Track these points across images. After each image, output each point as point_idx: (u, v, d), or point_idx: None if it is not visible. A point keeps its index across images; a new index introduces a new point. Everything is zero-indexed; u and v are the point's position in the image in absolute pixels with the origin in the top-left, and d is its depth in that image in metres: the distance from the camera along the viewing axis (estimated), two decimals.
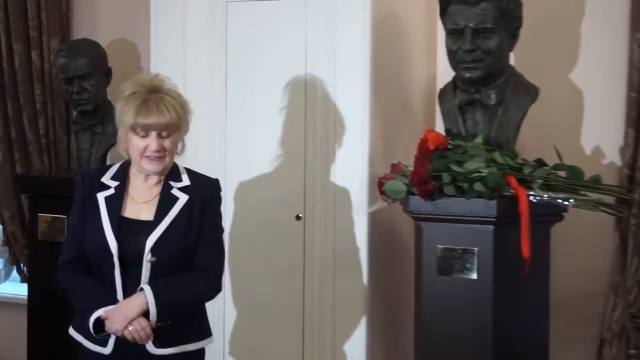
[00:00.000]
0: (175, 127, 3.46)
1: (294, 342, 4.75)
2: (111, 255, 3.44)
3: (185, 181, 3.59)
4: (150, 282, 3.43)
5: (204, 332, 3.65)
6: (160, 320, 3.40)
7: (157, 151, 3.44)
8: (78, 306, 3.56)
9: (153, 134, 3.43)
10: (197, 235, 3.52)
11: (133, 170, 3.60)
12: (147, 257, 3.43)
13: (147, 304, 3.37)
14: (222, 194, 3.69)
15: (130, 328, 3.37)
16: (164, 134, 3.44)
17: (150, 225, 3.48)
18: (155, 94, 3.45)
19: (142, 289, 3.41)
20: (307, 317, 4.71)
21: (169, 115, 3.42)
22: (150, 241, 3.44)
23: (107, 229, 3.47)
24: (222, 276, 3.63)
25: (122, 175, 3.59)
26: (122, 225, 3.49)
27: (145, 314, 3.38)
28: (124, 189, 3.57)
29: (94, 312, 3.40)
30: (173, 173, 3.59)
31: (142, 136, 3.44)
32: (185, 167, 3.66)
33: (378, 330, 4.71)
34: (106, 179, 3.59)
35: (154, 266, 3.44)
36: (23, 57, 5.78)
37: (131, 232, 3.48)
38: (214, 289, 3.59)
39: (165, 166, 3.52)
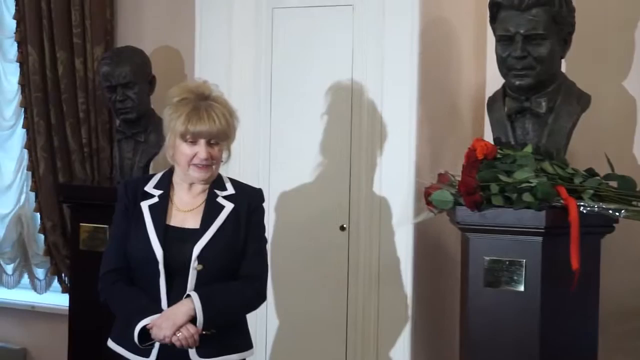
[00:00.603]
0: (224, 136, 3.47)
1: (337, 354, 4.70)
2: (157, 263, 3.43)
3: (230, 190, 3.59)
4: (197, 289, 3.42)
5: (246, 343, 3.64)
6: (206, 328, 3.39)
7: (206, 159, 3.44)
8: (122, 316, 3.55)
9: (202, 141, 3.43)
10: (244, 244, 3.52)
11: (176, 179, 3.59)
12: (194, 264, 3.43)
13: (195, 310, 3.36)
14: (265, 203, 3.70)
15: (178, 335, 3.36)
16: (212, 141, 3.45)
17: (197, 233, 3.48)
18: (204, 101, 3.46)
19: (188, 296, 3.40)
20: (351, 328, 4.68)
21: (220, 123, 3.43)
22: (197, 249, 3.44)
23: (153, 237, 3.46)
24: (266, 285, 3.63)
25: (166, 184, 3.59)
26: (168, 234, 3.48)
27: (192, 320, 3.37)
28: (168, 197, 3.56)
29: (140, 321, 3.38)
30: (217, 182, 3.58)
31: (191, 143, 3.43)
32: (228, 177, 3.65)
33: (423, 342, 4.67)
34: (149, 188, 3.59)
35: (199, 275, 3.43)
36: (67, 65, 5.80)
37: (177, 240, 3.48)
38: (261, 297, 3.60)
39: (212, 174, 3.53)
